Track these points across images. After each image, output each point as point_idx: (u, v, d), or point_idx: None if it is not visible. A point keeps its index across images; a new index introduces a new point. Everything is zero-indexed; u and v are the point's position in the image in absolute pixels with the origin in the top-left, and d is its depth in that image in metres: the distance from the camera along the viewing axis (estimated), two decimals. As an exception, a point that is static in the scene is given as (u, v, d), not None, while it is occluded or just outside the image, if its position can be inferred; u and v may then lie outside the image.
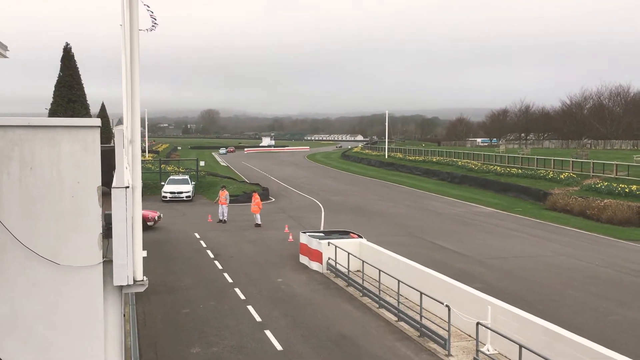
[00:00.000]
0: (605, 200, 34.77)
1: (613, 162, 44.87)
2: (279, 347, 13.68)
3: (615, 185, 37.92)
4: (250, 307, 16.66)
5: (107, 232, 6.93)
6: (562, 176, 44.69)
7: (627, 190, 36.22)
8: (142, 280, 7.11)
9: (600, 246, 26.46)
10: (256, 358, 13.05)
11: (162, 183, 43.00)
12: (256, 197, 31.73)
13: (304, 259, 22.27)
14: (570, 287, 19.19)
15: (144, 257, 7.29)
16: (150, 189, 43.19)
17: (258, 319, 15.73)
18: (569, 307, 17.03)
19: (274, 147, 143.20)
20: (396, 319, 15.67)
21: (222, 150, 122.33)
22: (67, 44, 29.77)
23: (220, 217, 31.86)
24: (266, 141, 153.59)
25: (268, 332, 14.62)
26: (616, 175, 41.81)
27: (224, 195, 32.18)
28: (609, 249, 25.81)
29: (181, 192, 40.30)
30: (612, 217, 32.47)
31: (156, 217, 28.73)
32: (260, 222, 30.78)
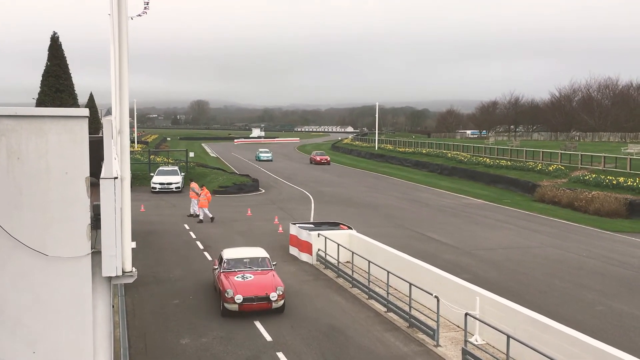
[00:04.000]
0: (593, 192, 35.05)
1: (601, 154, 45.19)
2: (268, 337, 13.72)
3: (603, 177, 38.21)
4: (239, 298, 16.65)
5: (95, 223, 6.89)
6: (551, 168, 44.95)
7: (614, 182, 36.51)
8: (131, 271, 7.09)
9: (587, 237, 26.70)
10: (245, 349, 13.08)
11: (152, 174, 42.80)
12: (207, 192, 29.43)
13: (293, 250, 22.30)
14: (557, 278, 19.37)
15: (133, 249, 7.27)
16: (139, 180, 42.98)
17: (247, 309, 15.74)
18: (555, 298, 17.19)
19: (264, 138, 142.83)
20: (385, 309, 15.76)
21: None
22: (55, 33, 29.48)
23: (192, 212, 30.12)
24: (256, 132, 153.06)
25: (257, 323, 14.65)
26: (604, 167, 42.13)
27: (196, 188, 30.25)
28: (596, 241, 26.06)
29: (170, 183, 40.15)
30: (600, 208, 32.74)
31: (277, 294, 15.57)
32: (206, 218, 28.84)
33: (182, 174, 43.11)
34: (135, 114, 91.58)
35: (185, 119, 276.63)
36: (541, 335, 11.68)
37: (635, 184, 35.06)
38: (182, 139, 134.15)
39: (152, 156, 51.27)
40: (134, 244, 7.40)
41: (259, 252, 17.33)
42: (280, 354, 12.75)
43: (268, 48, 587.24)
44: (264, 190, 42.58)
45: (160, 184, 40.23)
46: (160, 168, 43.62)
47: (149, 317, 15.19)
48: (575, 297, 17.35)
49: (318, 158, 67.43)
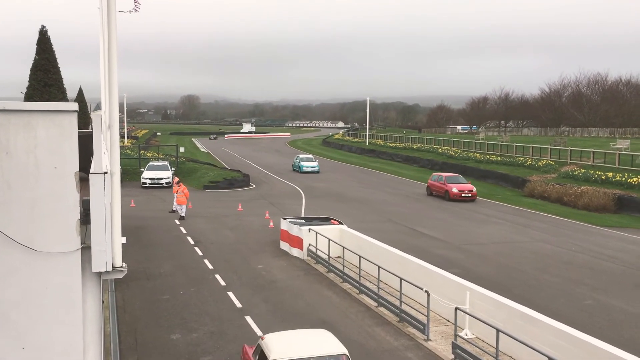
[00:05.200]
0: (582, 187, 35.29)
1: (590, 150, 45.50)
2: (259, 332, 13.72)
3: (592, 172, 38.48)
4: (230, 294, 16.67)
5: (85, 218, 6.85)
6: (541, 163, 45.21)
7: (603, 177, 36.78)
8: (122, 267, 7.06)
9: (576, 232, 26.90)
10: (237, 344, 13.08)
11: (142, 169, 42.62)
12: (184, 187, 28.68)
13: (284, 246, 22.30)
14: (546, 273, 19.51)
15: (123, 244, 7.24)
16: (130, 175, 42.80)
17: (238, 305, 15.75)
18: (545, 292, 17.31)
19: (255, 133, 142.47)
20: (376, 304, 15.80)
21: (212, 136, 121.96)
22: (43, 27, 29.18)
23: (174, 208, 29.18)
24: (247, 127, 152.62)
25: (248, 318, 14.65)
26: (593, 162, 42.42)
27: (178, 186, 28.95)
28: (585, 235, 26.26)
29: (161, 178, 39.99)
30: (589, 203, 32.98)
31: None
32: (184, 215, 28.18)
33: (173, 169, 42.97)
34: (125, 108, 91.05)
35: (176, 114, 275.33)
36: (531, 329, 11.76)
37: (623, 179, 35.33)
38: (173, 134, 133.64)
39: (142, 151, 51.03)
40: (124, 240, 7.37)
41: (328, 344, 9.84)
42: (271, 349, 12.75)
43: (259, 43, 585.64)
44: (254, 186, 42.51)
45: (151, 179, 40.07)
46: (151, 163, 43.43)
47: (140, 312, 15.14)
48: (564, 291, 17.47)
49: (455, 190, 36.01)
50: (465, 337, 13.14)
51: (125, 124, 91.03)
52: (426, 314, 13.60)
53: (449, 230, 26.53)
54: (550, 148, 49.91)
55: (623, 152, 43.10)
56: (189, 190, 31.40)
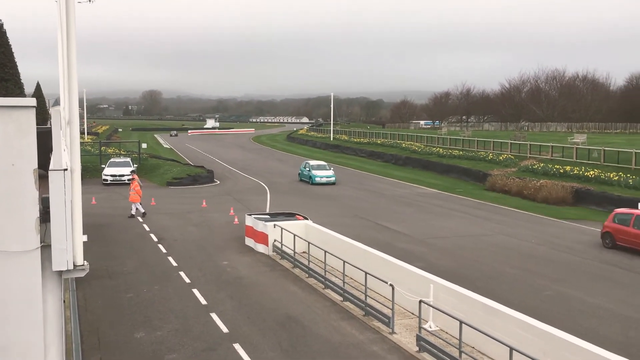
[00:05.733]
0: (541, 181, 36.14)
1: (549, 144, 46.60)
2: (224, 329, 13.67)
3: (550, 166, 39.43)
4: (195, 291, 16.53)
5: (44, 216, 6.70)
6: (501, 158, 46.10)
7: (561, 171, 37.73)
8: (83, 265, 6.93)
9: (536, 225, 27.54)
10: (201, 341, 13.00)
11: (103, 166, 41.82)
12: (136, 184, 27.86)
13: (249, 242, 22.22)
14: (507, 265, 19.94)
15: (84, 242, 7.11)
16: (90, 172, 41.93)
17: (203, 302, 15.64)
18: (506, 284, 17.69)
19: (219, 129, 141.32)
20: (342, 299, 15.90)
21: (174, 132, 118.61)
22: (-1, 20, 28.31)
23: (133, 212, 27.69)
24: (210, 123, 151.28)
25: (214, 315, 14.57)
26: (551, 156, 43.47)
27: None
28: (544, 227, 26.91)
29: (122, 175, 39.30)
30: (548, 196, 33.80)
31: None
32: (138, 213, 27.51)
33: (135, 165, 42.29)
34: (85, 104, 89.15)
35: (137, 110, 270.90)
36: (492, 320, 12.02)
37: (580, 172, 36.32)
38: (134, 129, 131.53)
39: (103, 147, 50.07)
40: (85, 237, 7.23)
41: None
42: (236, 345, 12.72)
43: (222, 38, 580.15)
44: (219, 182, 42.20)
45: (112, 175, 39.37)
46: (112, 160, 42.68)
47: (102, 311, 14.89)
48: (525, 282, 17.89)
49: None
50: (430, 329, 13.35)
51: (86, 119, 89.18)
52: (391, 307, 13.75)
53: (412, 224, 26.85)
54: (511, 142, 50.94)
55: (580, 146, 44.30)
56: (151, 187, 30.96)
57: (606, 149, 40.14)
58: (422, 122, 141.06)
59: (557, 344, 10.45)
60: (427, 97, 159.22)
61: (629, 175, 33.73)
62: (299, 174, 43.82)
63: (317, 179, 40.83)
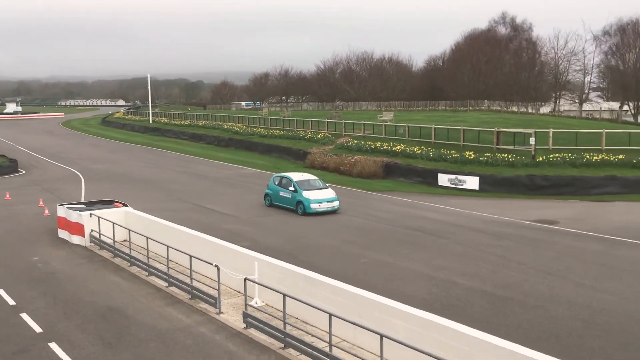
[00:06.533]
0: (356, 157, 38.48)
1: (361, 122, 49.60)
2: (38, 329, 12.72)
3: (363, 142, 42.07)
4: (1, 291, 15.11)
5: None
6: (319, 136, 48.08)
7: (372, 147, 40.44)
8: None
9: (352, 198, 29.35)
10: (11, 343, 11.97)
11: None
12: None
13: (63, 234, 20.79)
14: (326, 237, 21.08)
15: None
16: None
17: (11, 302, 14.39)
18: (326, 255, 18.72)
19: (22, 113, 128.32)
20: (167, 284, 15.63)
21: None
22: None
23: None
24: (11, 107, 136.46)
25: (24, 315, 13.48)
26: (364, 133, 46.37)
27: None
28: (360, 200, 28.81)
29: None
30: (362, 171, 36.14)
31: None
32: None
33: None
34: None
35: None
36: (313, 289, 12.70)
37: (389, 147, 39.26)
38: None
39: None
40: None
41: None
42: (52, 344, 11.93)
43: (23, 14, 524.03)
44: (24, 171, 38.60)
45: None
46: None
47: None
48: (343, 252, 19.07)
49: None
50: (256, 305, 13.70)
51: None
52: (217, 287, 13.85)
53: (237, 205, 27.06)
54: (327, 121, 53.30)
55: (388, 124, 47.78)
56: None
57: (410, 125, 43.81)
58: (243, 103, 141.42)
59: (369, 306, 11.39)
60: (247, 79, 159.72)
61: (429, 148, 37.26)
62: (265, 195, 27.23)
63: (314, 206, 24.86)
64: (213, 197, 29.13)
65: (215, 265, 13.88)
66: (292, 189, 25.77)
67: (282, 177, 27.00)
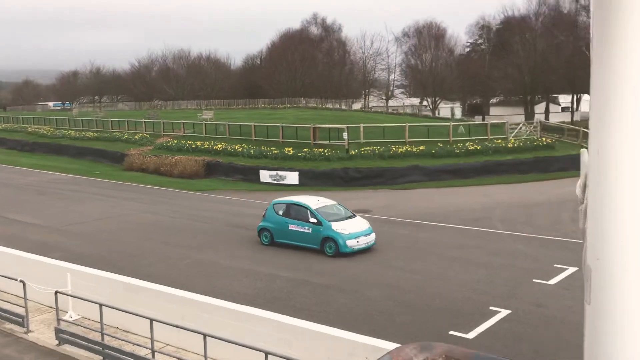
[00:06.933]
0: (176, 157, 37.65)
1: (181, 121, 48.60)
2: None
3: (184, 142, 41.28)
4: None
5: None
6: (137, 137, 46.19)
7: (193, 146, 39.88)
8: None
9: (174, 199, 28.72)
10: None
11: None
12: None
13: None
14: (148, 241, 20.40)
15: None
16: None
17: None
18: (148, 259, 18.12)
19: None
20: (-37, 307, 13.99)
21: None
22: None
23: None
24: None
25: None
26: (184, 133, 45.50)
27: None
28: (182, 201, 28.28)
29: None
30: (183, 171, 35.49)
31: None
32: None
33: None
34: None
35: None
36: (134, 296, 12.26)
37: (210, 146, 39.04)
38: None
39: None
40: None
41: None
42: None
43: None
44: None
45: None
46: None
47: None
48: (165, 255, 18.60)
49: None
50: (70, 319, 12.86)
51: None
52: (24, 305, 12.74)
53: (45, 213, 25.05)
54: (145, 121, 51.39)
55: (208, 122, 47.42)
56: None
57: (230, 123, 43.95)
58: (50, 103, 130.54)
59: (193, 307, 11.32)
60: (53, 77, 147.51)
61: (250, 146, 37.74)
62: (261, 230, 19.77)
63: (351, 244, 17.95)
64: (17, 206, 26.61)
65: (21, 281, 12.76)
66: (313, 220, 18.36)
67: (289, 205, 19.26)
